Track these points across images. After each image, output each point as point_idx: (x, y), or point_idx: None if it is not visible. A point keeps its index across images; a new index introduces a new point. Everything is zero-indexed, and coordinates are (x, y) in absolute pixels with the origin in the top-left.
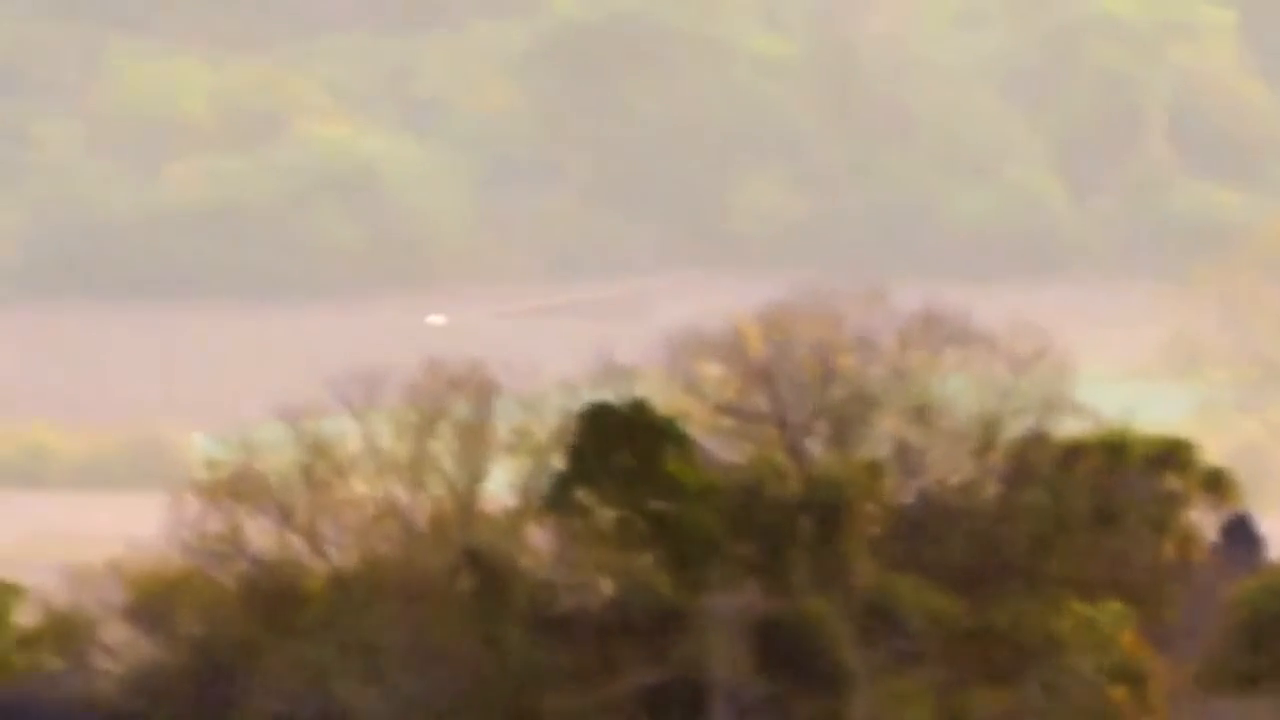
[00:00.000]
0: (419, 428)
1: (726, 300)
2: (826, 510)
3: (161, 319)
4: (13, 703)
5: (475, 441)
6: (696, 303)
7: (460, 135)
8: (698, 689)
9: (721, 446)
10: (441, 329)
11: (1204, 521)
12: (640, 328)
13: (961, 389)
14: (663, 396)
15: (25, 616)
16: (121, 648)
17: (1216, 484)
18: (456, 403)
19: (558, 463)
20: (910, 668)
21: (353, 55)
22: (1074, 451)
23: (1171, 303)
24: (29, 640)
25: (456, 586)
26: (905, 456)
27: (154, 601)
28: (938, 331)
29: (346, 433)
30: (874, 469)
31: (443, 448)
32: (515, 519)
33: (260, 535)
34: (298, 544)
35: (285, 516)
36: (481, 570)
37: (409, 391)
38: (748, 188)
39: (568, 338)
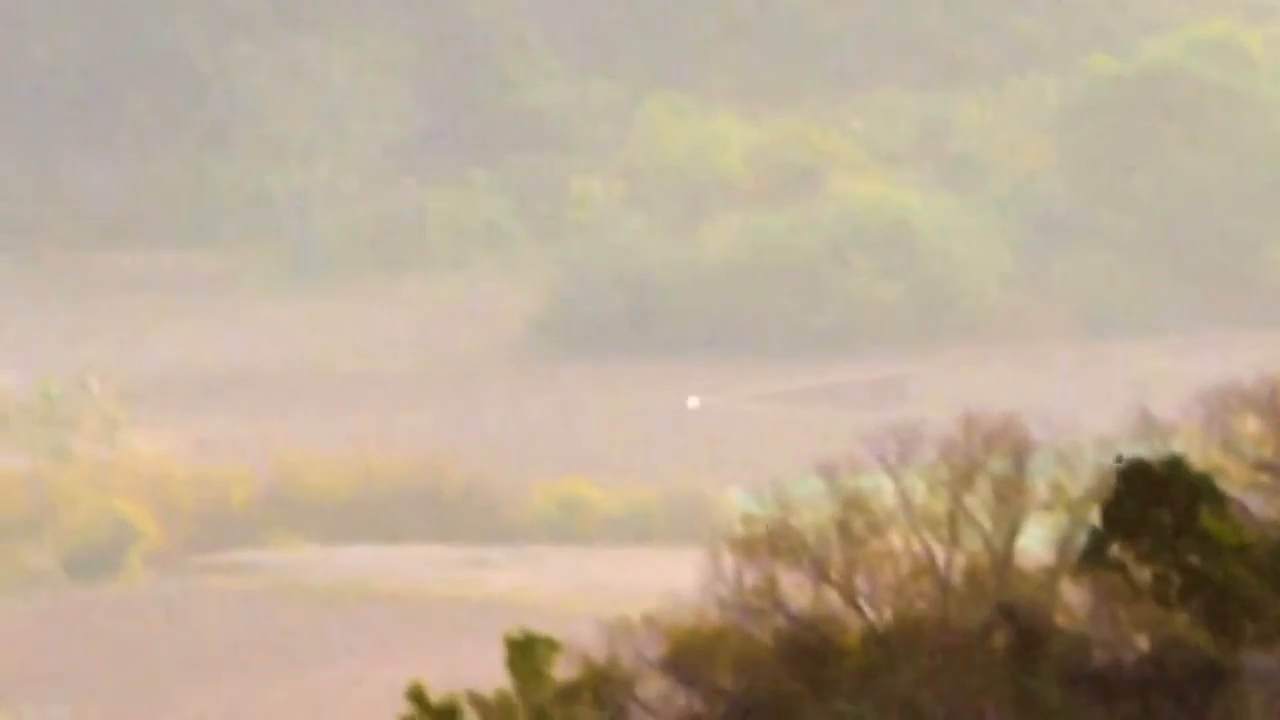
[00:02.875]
0: (954, 483)
1: (1266, 356)
2: None
3: (699, 375)
4: None
5: (1011, 497)
6: (1235, 358)
7: (995, 191)
8: None
9: (1259, 504)
10: (698, 411)
11: None
12: (896, 413)
13: None
14: (1199, 453)
15: (563, 669)
16: (658, 702)
17: None
18: (992, 458)
19: (1093, 519)
20: None
21: (887, 111)
22: None
23: None
24: (568, 693)
25: (992, 643)
26: None
27: (691, 656)
28: None
29: (882, 489)
30: None
31: (978, 503)
32: (1050, 575)
33: (796, 591)
34: (833, 600)
35: (821, 572)
36: (1017, 626)
37: (945, 447)
38: None
39: (811, 425)
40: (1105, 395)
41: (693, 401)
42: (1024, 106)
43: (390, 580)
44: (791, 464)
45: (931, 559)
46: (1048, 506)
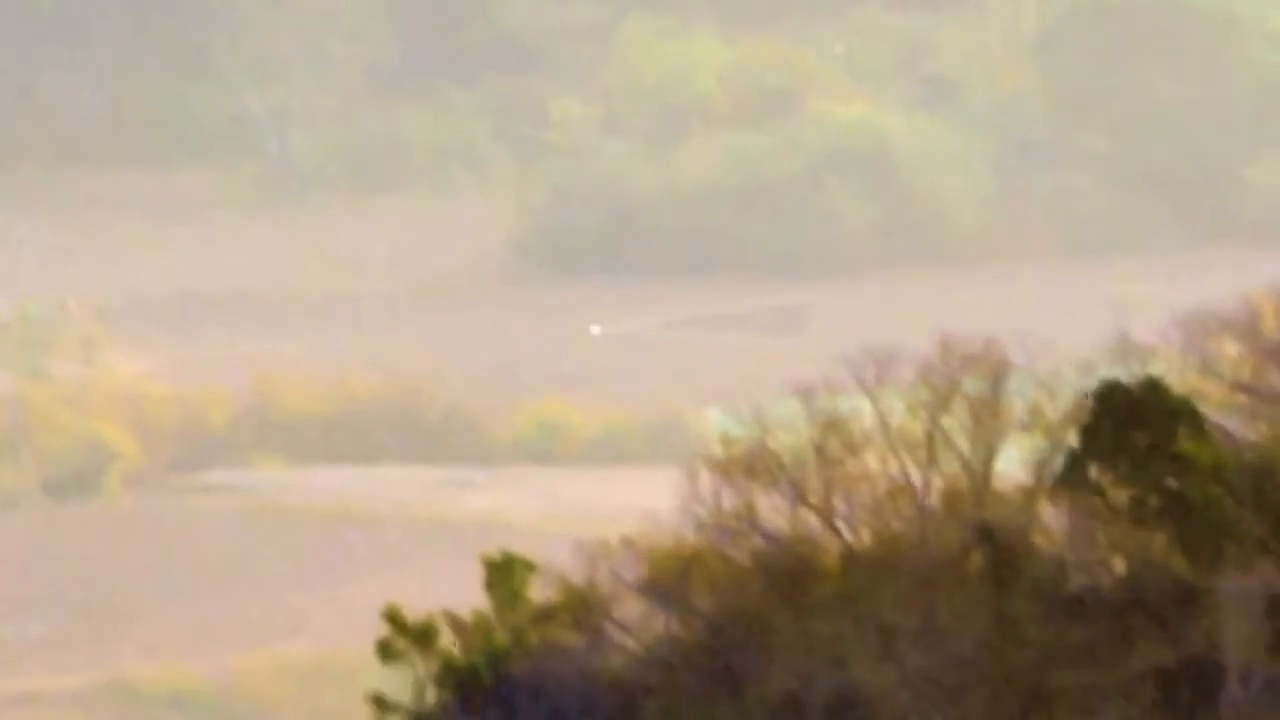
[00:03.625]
0: (932, 405)
1: (1243, 278)
2: None
3: (679, 296)
4: (529, 677)
5: (988, 419)
6: (1213, 281)
7: (975, 114)
8: (1211, 669)
9: (1237, 425)
10: (602, 339)
11: None
12: (798, 340)
13: None
14: (1177, 376)
15: (541, 591)
16: (636, 623)
17: None
18: (970, 380)
19: (1071, 441)
20: None
21: (867, 32)
22: None
23: None
24: (545, 615)
25: (969, 564)
26: None
27: (668, 578)
28: None
29: (860, 410)
30: None
31: (956, 425)
32: (1028, 497)
33: (773, 512)
34: (811, 521)
35: (798, 493)
36: (994, 547)
37: (922, 368)
38: (1264, 165)
39: (716, 351)
40: (1084, 317)
41: (595, 329)
42: (1004, 29)
43: (369, 501)
44: (755, 387)
45: (909, 480)
46: (1025, 429)
